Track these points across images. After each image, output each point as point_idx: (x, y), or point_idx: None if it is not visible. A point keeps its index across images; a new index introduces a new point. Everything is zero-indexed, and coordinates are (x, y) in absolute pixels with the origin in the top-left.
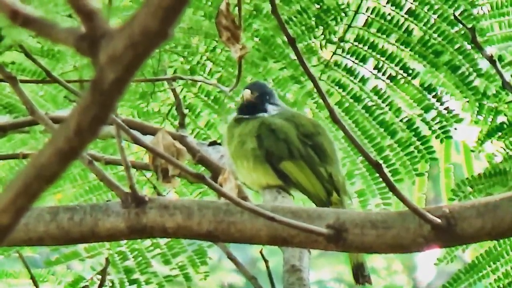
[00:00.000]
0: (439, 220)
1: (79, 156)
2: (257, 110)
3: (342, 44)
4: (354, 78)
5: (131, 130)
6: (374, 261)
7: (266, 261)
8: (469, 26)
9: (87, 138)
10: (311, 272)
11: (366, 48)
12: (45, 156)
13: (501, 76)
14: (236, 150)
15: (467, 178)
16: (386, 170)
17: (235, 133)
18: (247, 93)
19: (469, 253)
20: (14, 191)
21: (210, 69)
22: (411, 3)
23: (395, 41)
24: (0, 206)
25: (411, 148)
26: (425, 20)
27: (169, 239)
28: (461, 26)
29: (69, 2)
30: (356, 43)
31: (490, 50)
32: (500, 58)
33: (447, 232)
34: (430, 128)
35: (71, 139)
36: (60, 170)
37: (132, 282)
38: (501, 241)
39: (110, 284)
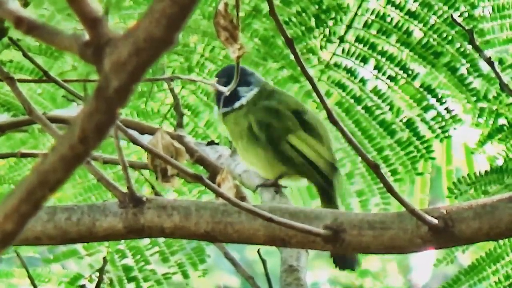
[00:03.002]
0: (436, 221)
1: (83, 163)
2: (232, 99)
3: (342, 44)
4: (354, 79)
5: (129, 130)
6: (369, 262)
7: (263, 261)
8: (469, 28)
9: (91, 144)
10: (307, 274)
11: (366, 48)
12: (49, 163)
13: (499, 77)
14: (243, 148)
15: (463, 177)
16: (385, 171)
17: (233, 131)
18: (212, 85)
19: (467, 255)
20: (18, 198)
21: (209, 69)
22: (411, 4)
23: (395, 42)
24: (4, 213)
25: (411, 148)
26: (425, 21)
27: None
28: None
29: (73, 9)
30: (356, 44)
31: (490, 52)
32: (501, 61)
33: (445, 233)
34: (429, 128)
35: (75, 146)
36: (64, 177)
37: (130, 279)
38: (501, 242)
39: (109, 282)
